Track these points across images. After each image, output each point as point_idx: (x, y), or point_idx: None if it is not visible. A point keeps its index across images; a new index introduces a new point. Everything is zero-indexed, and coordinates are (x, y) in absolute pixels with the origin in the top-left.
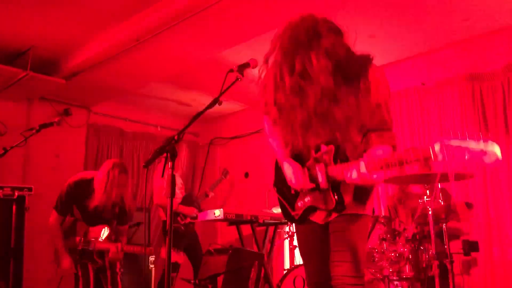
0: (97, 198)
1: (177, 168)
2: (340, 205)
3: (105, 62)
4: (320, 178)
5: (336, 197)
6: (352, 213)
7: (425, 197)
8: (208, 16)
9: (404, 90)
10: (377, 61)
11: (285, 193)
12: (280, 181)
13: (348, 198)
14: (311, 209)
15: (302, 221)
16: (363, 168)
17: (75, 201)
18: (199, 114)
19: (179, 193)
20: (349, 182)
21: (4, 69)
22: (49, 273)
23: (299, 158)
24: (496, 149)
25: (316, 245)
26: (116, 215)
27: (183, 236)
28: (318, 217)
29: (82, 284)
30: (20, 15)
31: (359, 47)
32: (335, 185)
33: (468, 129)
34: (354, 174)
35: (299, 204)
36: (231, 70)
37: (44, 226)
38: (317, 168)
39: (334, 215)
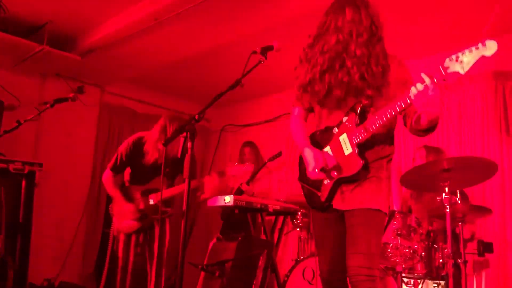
0: (154, 155)
1: None
2: (365, 169)
3: (122, 40)
4: (372, 127)
5: (362, 161)
6: (369, 208)
7: (443, 194)
8: None
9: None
10: (400, 55)
11: (310, 180)
12: (303, 170)
13: (367, 192)
14: (337, 185)
15: (327, 205)
16: (426, 79)
17: (132, 160)
18: (220, 95)
19: None
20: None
21: (20, 42)
22: (56, 250)
23: (319, 145)
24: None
25: (332, 234)
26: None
27: None
28: (339, 203)
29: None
30: None
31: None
32: (361, 151)
33: (488, 128)
34: (420, 86)
35: (325, 182)
36: (254, 52)
37: (52, 203)
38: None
39: (356, 194)
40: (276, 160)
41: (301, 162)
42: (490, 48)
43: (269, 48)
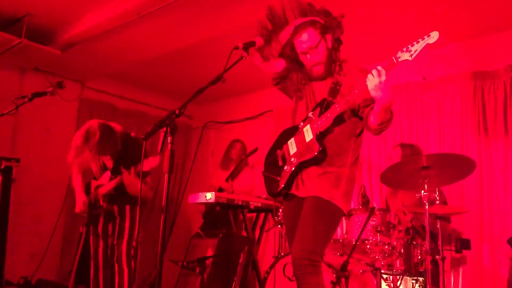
0: None
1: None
2: (322, 153)
3: (103, 34)
4: (332, 113)
5: (320, 146)
6: (321, 197)
7: (422, 191)
8: None
9: (405, 84)
10: (380, 55)
11: (272, 169)
12: (268, 163)
13: (324, 184)
14: (297, 170)
15: (285, 191)
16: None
17: None
18: (202, 90)
19: None
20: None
21: None
22: (33, 247)
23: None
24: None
25: (296, 221)
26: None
27: None
28: (295, 189)
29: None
30: None
31: (363, 39)
32: (320, 137)
33: (467, 126)
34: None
35: (285, 168)
36: (236, 48)
37: (30, 199)
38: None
39: (313, 177)
40: (256, 156)
41: (268, 155)
42: (433, 37)
43: (251, 44)
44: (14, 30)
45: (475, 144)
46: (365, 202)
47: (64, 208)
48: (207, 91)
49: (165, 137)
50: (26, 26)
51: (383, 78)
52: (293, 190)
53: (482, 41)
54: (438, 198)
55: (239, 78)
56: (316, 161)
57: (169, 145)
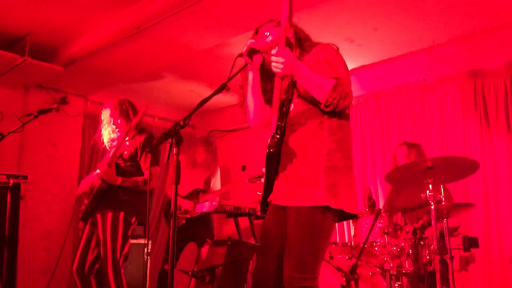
0: None
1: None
2: (276, 146)
3: (104, 49)
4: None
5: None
6: (303, 206)
7: (427, 191)
8: (211, 4)
9: (405, 85)
10: (379, 55)
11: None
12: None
13: (301, 186)
14: (270, 175)
15: (263, 200)
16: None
17: None
18: (206, 100)
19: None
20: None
21: (1, 54)
22: (44, 263)
23: None
24: None
25: (273, 231)
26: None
27: (184, 229)
28: (274, 196)
29: None
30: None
31: (362, 39)
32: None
33: (469, 125)
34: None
35: (262, 179)
36: (240, 55)
37: (38, 215)
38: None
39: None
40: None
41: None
42: None
43: (255, 51)
44: (17, 49)
45: (478, 142)
46: (371, 204)
47: (72, 223)
48: (210, 100)
49: (170, 149)
50: (29, 45)
51: (275, 51)
52: (271, 198)
53: (481, 39)
54: (443, 197)
55: None
56: (274, 156)
57: (175, 156)
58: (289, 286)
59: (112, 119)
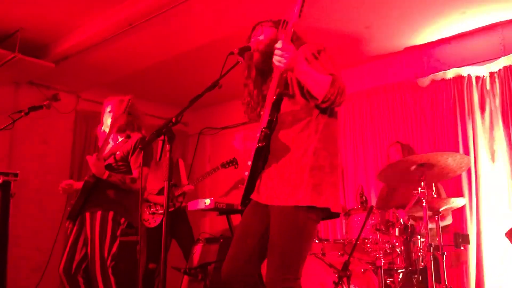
0: None
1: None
2: (264, 140)
3: (96, 46)
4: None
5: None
6: (284, 205)
7: (419, 188)
8: (202, 2)
9: (397, 84)
10: (372, 53)
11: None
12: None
13: (284, 185)
14: (254, 172)
15: (245, 198)
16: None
17: None
18: (198, 97)
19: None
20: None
21: None
22: (34, 261)
23: None
24: None
25: (250, 227)
26: None
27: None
28: (256, 194)
29: None
30: None
31: (355, 36)
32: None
33: (461, 125)
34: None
35: (245, 173)
36: (232, 53)
37: (29, 213)
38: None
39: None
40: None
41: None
42: None
43: (247, 48)
44: (7, 45)
45: (470, 140)
46: (364, 201)
47: (63, 221)
48: (202, 97)
49: (163, 146)
50: (19, 41)
51: (279, 45)
52: (254, 195)
53: (472, 37)
54: (435, 194)
55: (235, 82)
56: (263, 150)
57: (167, 154)
58: (272, 287)
59: (112, 113)
